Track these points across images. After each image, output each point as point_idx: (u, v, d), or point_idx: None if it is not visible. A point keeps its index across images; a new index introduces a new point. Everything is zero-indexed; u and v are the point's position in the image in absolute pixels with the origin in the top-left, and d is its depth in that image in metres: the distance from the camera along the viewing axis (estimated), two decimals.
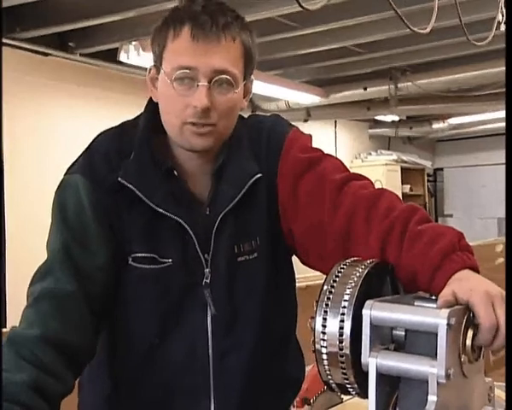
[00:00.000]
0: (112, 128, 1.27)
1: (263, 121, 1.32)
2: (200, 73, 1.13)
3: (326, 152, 1.27)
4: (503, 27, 2.84)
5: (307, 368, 1.38)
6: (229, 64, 1.15)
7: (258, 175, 1.21)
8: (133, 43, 3.87)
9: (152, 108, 1.23)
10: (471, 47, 3.44)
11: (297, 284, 1.35)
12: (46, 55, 4.14)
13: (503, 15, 2.86)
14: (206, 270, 1.18)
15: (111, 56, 4.16)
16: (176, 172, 1.21)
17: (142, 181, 1.17)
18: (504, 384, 0.89)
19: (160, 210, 1.16)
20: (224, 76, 1.14)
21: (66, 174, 1.21)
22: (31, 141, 4.33)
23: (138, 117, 1.26)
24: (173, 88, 1.14)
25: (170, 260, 1.18)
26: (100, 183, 1.18)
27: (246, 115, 1.36)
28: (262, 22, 3.74)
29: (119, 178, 1.17)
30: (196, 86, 1.13)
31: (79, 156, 1.23)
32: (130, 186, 1.16)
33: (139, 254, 1.18)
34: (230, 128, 1.22)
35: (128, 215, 1.18)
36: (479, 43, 3.29)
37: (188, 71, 1.13)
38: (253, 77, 1.25)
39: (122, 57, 4.00)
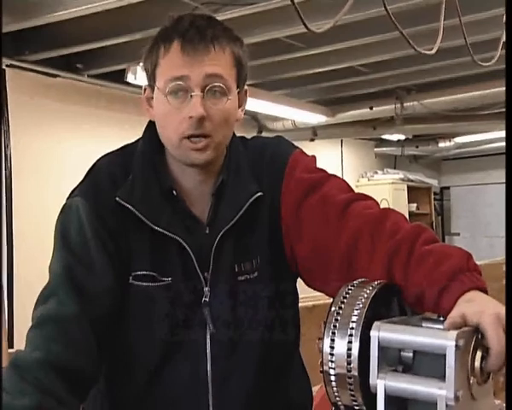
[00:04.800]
0: (113, 151, 1.28)
1: (266, 143, 1.32)
2: (192, 83, 1.14)
3: (330, 172, 1.27)
4: None
5: (315, 388, 1.36)
6: (221, 70, 1.16)
7: (259, 194, 1.21)
8: (140, 64, 3.86)
9: (151, 130, 1.25)
10: (477, 67, 3.44)
11: (304, 304, 1.34)
12: (55, 76, 4.18)
13: None
14: (206, 288, 1.19)
15: (118, 77, 4.19)
16: (175, 192, 1.21)
17: (141, 201, 1.18)
18: None
19: (160, 229, 1.17)
20: (216, 83, 1.15)
21: (68, 198, 1.22)
22: (38, 163, 4.34)
23: (139, 140, 1.28)
24: (168, 102, 1.16)
25: (169, 279, 1.18)
26: (101, 203, 1.18)
27: (249, 136, 1.36)
28: (268, 43, 3.76)
29: (117, 198, 1.17)
30: (190, 97, 1.14)
31: (82, 180, 1.24)
32: (129, 206, 1.17)
33: (139, 273, 1.18)
34: (227, 138, 1.22)
35: (129, 234, 1.19)
36: (484, 64, 3.29)
37: (180, 82, 1.14)
38: (246, 87, 1.26)
39: (129, 78, 4.02)
